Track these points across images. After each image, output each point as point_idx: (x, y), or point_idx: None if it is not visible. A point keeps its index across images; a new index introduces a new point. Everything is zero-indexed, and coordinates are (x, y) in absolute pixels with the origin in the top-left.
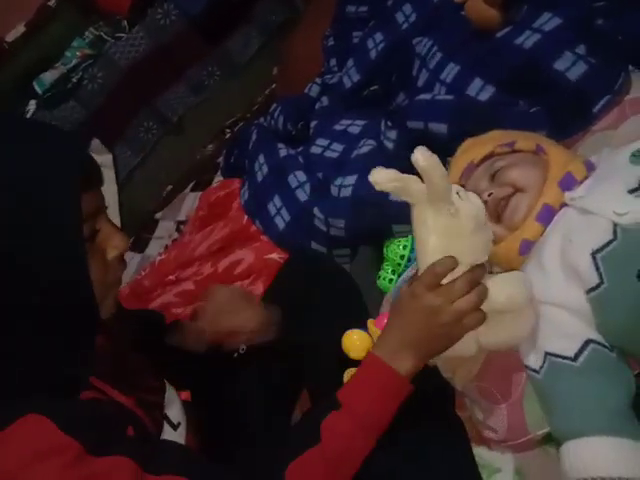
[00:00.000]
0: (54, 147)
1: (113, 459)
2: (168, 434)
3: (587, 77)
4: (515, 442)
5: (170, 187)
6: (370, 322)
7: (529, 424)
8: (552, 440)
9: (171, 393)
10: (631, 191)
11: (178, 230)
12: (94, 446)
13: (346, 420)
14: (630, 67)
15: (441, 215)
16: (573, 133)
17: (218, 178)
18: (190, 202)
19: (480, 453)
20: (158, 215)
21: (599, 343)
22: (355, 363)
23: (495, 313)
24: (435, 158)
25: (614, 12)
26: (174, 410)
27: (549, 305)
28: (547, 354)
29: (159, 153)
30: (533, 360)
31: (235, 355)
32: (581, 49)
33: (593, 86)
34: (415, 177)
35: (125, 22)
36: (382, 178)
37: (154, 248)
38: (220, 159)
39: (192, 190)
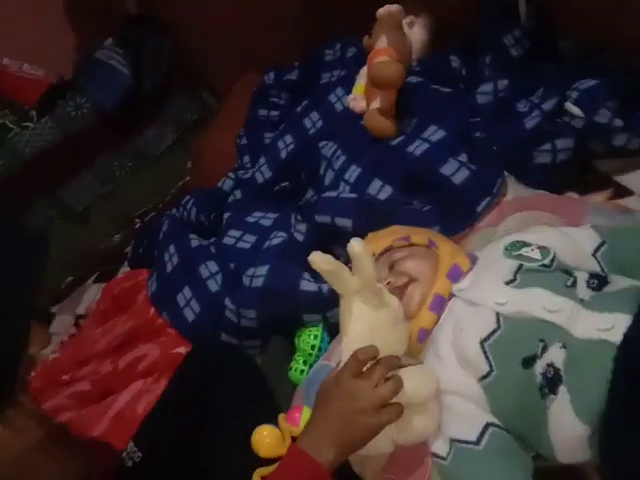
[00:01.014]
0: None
1: None
2: None
3: (469, 181)
4: None
5: (70, 278)
6: (281, 417)
7: None
8: None
9: None
10: (507, 282)
11: (77, 325)
12: None
13: None
14: (505, 173)
15: (367, 306)
16: (460, 230)
17: (124, 269)
18: (92, 294)
19: None
20: (55, 309)
21: (497, 426)
22: (267, 462)
23: (405, 407)
24: (368, 248)
25: (490, 127)
26: None
27: (448, 393)
28: (452, 440)
29: (58, 242)
30: (440, 447)
31: (129, 464)
32: (463, 157)
33: (475, 189)
34: (347, 268)
35: (33, 112)
36: (320, 260)
37: (49, 345)
38: (127, 249)
39: (95, 281)
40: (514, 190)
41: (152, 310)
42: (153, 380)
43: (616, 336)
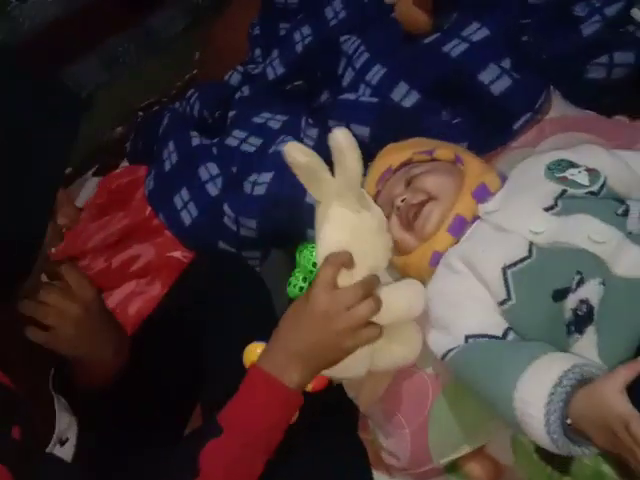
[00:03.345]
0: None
1: None
2: (55, 449)
3: (510, 92)
4: (417, 470)
5: (70, 170)
6: None
7: (432, 452)
8: (454, 470)
9: (61, 402)
10: (547, 209)
11: None
12: None
13: (227, 446)
14: (551, 87)
15: (347, 211)
16: (492, 148)
17: (124, 164)
18: (91, 188)
19: (380, 479)
20: None
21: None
22: None
23: (390, 327)
24: (354, 141)
25: (541, 31)
26: (63, 422)
27: (464, 295)
28: (468, 337)
29: None
30: (448, 345)
31: None
32: (506, 63)
33: (515, 102)
34: (327, 168)
35: None
36: (297, 150)
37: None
38: (128, 143)
39: (94, 174)
40: (558, 108)
41: (149, 209)
42: (146, 282)
43: None
